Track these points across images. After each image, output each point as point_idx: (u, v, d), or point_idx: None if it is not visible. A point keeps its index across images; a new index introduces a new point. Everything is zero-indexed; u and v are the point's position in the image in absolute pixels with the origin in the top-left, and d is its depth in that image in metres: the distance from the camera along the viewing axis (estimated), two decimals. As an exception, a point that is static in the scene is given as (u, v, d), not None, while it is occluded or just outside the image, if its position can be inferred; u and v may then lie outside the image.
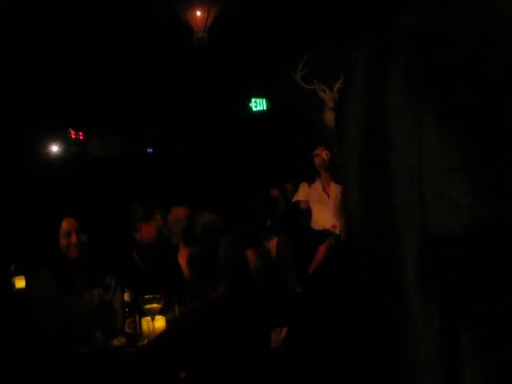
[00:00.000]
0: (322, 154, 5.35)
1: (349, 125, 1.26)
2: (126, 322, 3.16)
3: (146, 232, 3.96)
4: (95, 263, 3.36)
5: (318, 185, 5.51)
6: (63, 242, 3.23)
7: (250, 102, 8.62)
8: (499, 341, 1.10)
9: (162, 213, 4.25)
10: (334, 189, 5.38)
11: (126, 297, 3.19)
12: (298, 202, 5.66)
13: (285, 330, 3.93)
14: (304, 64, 7.55)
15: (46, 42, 6.25)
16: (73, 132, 7.84)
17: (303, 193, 5.61)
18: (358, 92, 1.26)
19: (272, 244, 4.62)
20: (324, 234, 5.25)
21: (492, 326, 1.10)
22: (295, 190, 6.75)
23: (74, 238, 3.22)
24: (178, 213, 4.49)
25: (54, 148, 7.63)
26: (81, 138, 7.93)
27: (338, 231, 5.18)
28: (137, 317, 3.18)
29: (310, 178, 5.55)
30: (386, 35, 1.19)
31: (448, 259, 1.11)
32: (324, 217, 5.36)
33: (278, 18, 7.36)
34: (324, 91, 7.50)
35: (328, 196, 5.43)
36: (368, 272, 1.29)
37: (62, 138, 7.85)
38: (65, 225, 3.27)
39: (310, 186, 5.54)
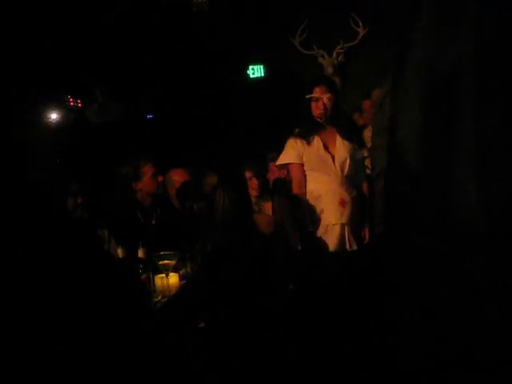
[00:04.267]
0: (322, 98, 3.94)
1: None
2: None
3: (144, 191, 4.04)
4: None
5: (317, 142, 4.00)
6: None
7: (248, 68, 8.57)
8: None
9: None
10: (342, 148, 3.98)
11: (140, 253, 3.25)
12: (282, 168, 4.45)
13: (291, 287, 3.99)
14: (303, 29, 7.55)
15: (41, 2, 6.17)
16: (71, 99, 7.80)
17: (293, 153, 4.05)
18: None
19: (267, 207, 4.65)
20: None
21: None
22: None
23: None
24: (177, 175, 4.50)
25: (53, 116, 7.59)
26: (79, 105, 7.89)
27: (347, 209, 3.89)
28: (150, 273, 3.25)
29: (305, 130, 4.06)
30: None
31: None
32: (327, 189, 3.95)
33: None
34: (323, 56, 7.52)
35: (333, 159, 3.96)
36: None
37: (61, 105, 7.80)
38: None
39: (307, 143, 4.00)
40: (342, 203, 3.87)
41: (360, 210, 3.95)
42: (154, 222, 4.06)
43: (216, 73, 7.91)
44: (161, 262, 3.17)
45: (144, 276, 3.23)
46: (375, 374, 2.83)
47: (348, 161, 3.95)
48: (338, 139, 4.01)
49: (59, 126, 7.57)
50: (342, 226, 3.88)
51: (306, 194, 4.01)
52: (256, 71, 8.59)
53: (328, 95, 3.94)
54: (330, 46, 7.54)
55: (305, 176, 4.03)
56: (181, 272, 3.37)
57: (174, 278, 3.25)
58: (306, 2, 7.42)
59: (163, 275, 3.20)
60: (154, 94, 7.86)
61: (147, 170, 4.00)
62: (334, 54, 7.50)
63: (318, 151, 3.97)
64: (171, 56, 7.71)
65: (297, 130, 4.11)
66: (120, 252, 3.26)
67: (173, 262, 3.19)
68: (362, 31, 7.29)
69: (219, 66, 7.93)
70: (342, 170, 3.94)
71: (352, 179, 3.98)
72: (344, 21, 7.38)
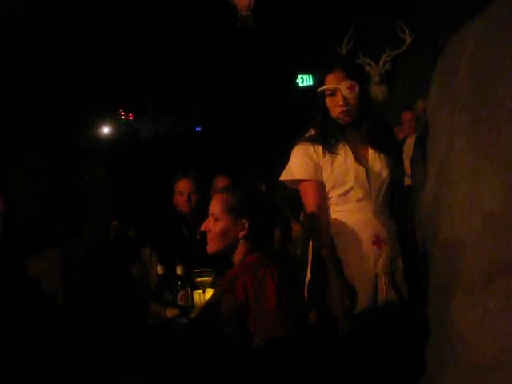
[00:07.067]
0: (339, 88, 2.63)
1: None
2: (179, 294, 3.31)
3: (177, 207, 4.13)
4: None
5: (344, 151, 2.71)
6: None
7: (297, 77, 8.62)
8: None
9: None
10: (377, 161, 2.73)
11: (179, 270, 3.33)
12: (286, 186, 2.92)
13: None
14: (350, 38, 7.54)
15: (92, 18, 6.34)
16: (123, 113, 8.02)
17: (309, 165, 2.72)
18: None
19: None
20: None
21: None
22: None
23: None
24: (221, 182, 4.60)
25: (106, 129, 7.83)
26: (131, 118, 8.11)
27: (385, 252, 2.63)
28: (189, 289, 3.33)
29: (327, 131, 2.73)
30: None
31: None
32: (355, 219, 2.68)
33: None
34: (370, 65, 7.49)
35: (366, 171, 2.70)
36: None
37: (113, 119, 8.02)
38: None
39: (330, 151, 2.69)
40: (377, 242, 2.62)
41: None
42: (198, 237, 4.14)
43: (265, 83, 7.97)
44: (198, 279, 3.25)
45: (182, 292, 3.31)
46: None
47: (387, 179, 2.73)
48: (371, 149, 2.76)
49: (113, 139, 7.79)
50: (377, 277, 2.64)
51: (328, 226, 2.73)
52: (305, 80, 8.63)
53: (347, 83, 2.60)
54: (377, 55, 7.51)
55: (325, 200, 2.75)
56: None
57: (210, 294, 3.32)
58: (353, 11, 7.42)
59: (200, 291, 3.28)
60: (203, 106, 7.99)
61: (178, 187, 4.09)
62: (381, 63, 7.46)
63: (347, 163, 2.68)
64: (220, 69, 7.83)
65: (313, 132, 2.82)
66: (159, 269, 3.35)
67: (209, 279, 3.26)
68: (408, 39, 7.23)
69: (268, 76, 7.99)
70: (378, 193, 2.71)
71: (389, 208, 2.78)
72: (390, 28, 7.34)
